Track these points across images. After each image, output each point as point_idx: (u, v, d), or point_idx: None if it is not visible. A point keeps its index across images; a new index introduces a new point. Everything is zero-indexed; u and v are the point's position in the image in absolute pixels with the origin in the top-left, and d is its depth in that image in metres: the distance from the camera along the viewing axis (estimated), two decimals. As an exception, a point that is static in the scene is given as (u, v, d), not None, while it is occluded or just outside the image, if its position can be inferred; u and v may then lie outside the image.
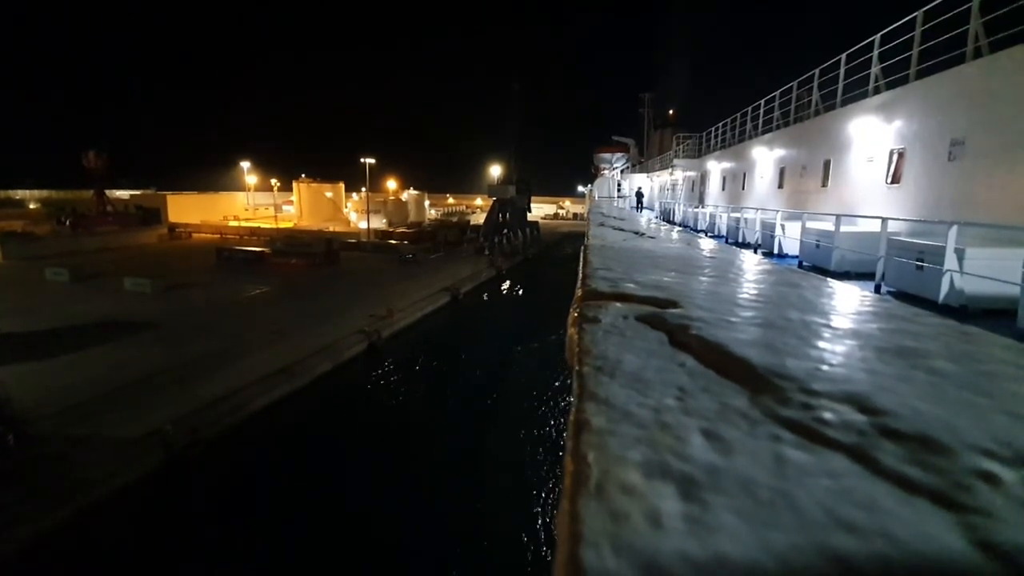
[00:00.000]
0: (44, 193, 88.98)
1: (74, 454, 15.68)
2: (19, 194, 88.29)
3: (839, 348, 2.83)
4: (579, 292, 4.12)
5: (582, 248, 8.31)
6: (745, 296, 4.22)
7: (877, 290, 9.59)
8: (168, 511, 15.30)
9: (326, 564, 14.29)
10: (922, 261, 8.70)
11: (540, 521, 15.25)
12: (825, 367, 2.45)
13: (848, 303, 4.21)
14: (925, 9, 13.08)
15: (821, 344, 2.87)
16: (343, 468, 18.41)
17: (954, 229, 8.12)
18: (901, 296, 9.05)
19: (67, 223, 63.45)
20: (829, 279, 5.66)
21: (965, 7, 11.68)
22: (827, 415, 1.89)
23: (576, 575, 1.11)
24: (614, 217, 20.73)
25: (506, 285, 54.24)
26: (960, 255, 8.06)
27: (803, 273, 6.30)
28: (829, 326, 3.30)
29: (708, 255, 7.93)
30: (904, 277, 9.27)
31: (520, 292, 52.58)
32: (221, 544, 14.44)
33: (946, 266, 8.04)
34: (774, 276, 5.61)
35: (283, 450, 19.38)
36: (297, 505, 16.37)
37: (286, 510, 16.09)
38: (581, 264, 5.96)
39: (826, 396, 2.07)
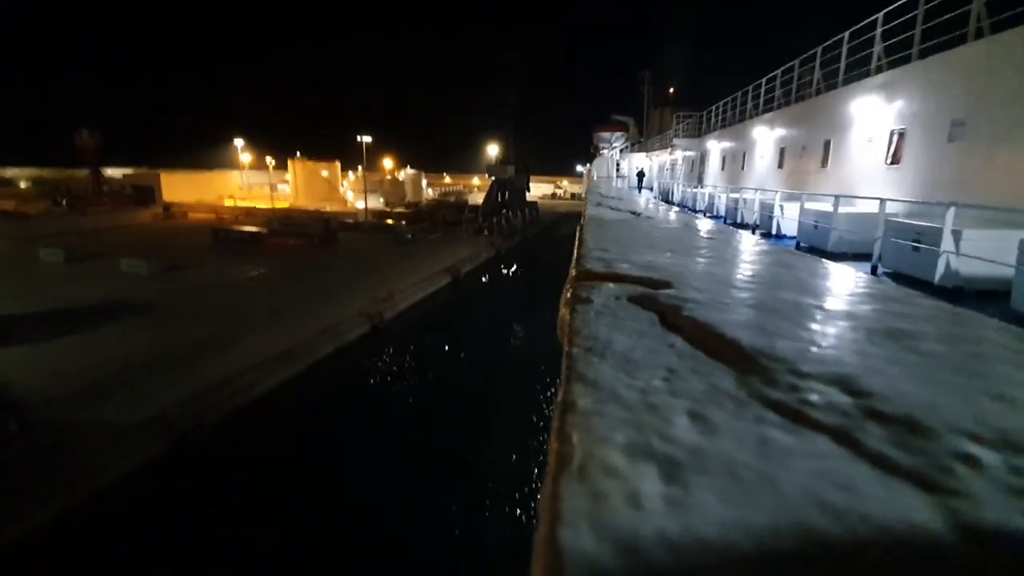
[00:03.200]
0: (34, 172, 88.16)
1: (78, 440, 15.69)
2: (9, 173, 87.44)
3: (830, 330, 2.83)
4: (573, 272, 4.11)
5: (578, 228, 8.29)
6: (739, 277, 4.22)
7: (874, 271, 9.61)
8: (174, 497, 15.36)
9: (330, 546, 14.43)
10: (919, 242, 8.71)
11: (536, 502, 15.37)
12: (814, 348, 2.46)
13: (843, 285, 4.21)
14: (929, -12, 12.97)
15: (813, 326, 2.87)
16: (348, 450, 18.51)
17: (951, 210, 8.11)
18: (897, 277, 9.07)
19: (63, 203, 63.07)
20: (825, 260, 5.66)
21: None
22: (814, 397, 1.89)
23: (554, 554, 1.12)
24: (612, 197, 20.67)
25: (506, 265, 54.16)
26: (957, 236, 8.07)
27: (799, 254, 6.31)
28: (822, 308, 3.30)
29: (704, 236, 7.92)
30: (901, 258, 9.28)
31: (520, 272, 52.52)
32: (226, 530, 14.54)
33: (943, 247, 8.04)
34: (770, 257, 5.61)
35: (288, 434, 19.46)
36: (302, 489, 16.48)
37: (291, 494, 16.19)
38: (576, 244, 5.95)
39: (814, 378, 2.07)
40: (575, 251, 5.45)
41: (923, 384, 2.07)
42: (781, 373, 2.09)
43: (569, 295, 3.37)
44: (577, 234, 7.28)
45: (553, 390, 23.94)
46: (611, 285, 3.59)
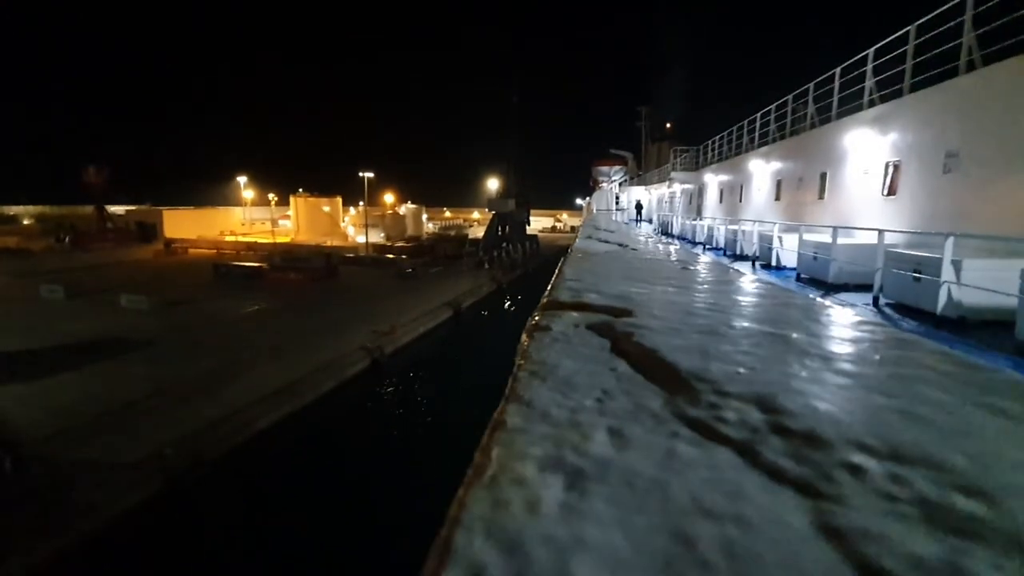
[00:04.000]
0: (38, 209, 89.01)
1: (73, 479, 15.54)
2: (13, 210, 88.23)
3: (767, 352, 2.93)
4: (543, 301, 4.22)
5: (562, 259, 8.40)
6: (700, 305, 4.33)
7: (875, 302, 9.60)
8: (169, 537, 15.22)
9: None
10: (920, 272, 8.69)
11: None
12: (743, 370, 2.56)
13: (799, 312, 4.31)
14: (918, 23, 13.19)
15: (753, 349, 2.97)
16: (348, 489, 18.36)
17: (950, 240, 8.09)
18: (901, 308, 9.09)
19: (67, 240, 63.49)
20: (792, 288, 5.76)
21: (958, 21, 11.77)
22: (729, 414, 1.99)
23: (445, 554, 1.22)
24: (605, 230, 20.86)
25: (507, 299, 54.17)
26: (957, 266, 8.04)
27: (769, 282, 6.41)
28: (770, 333, 3.40)
29: (687, 267, 8.04)
30: (903, 289, 9.21)
31: (521, 306, 52.44)
32: (222, 570, 14.39)
33: (943, 277, 8.03)
34: (738, 286, 5.72)
35: (287, 472, 19.30)
36: (301, 529, 16.33)
37: (290, 535, 16.04)
38: (555, 274, 6.07)
39: (736, 397, 2.17)
40: (551, 280, 5.57)
41: (835, 402, 2.17)
42: (707, 393, 2.19)
43: (532, 322, 3.48)
44: (559, 265, 7.40)
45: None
46: (574, 314, 3.70)
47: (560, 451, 1.68)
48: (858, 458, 1.68)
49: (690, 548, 1.25)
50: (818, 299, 4.93)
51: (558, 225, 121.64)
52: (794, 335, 3.37)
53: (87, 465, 16.22)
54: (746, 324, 3.64)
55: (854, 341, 3.26)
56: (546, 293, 4.68)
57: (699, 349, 2.87)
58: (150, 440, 17.57)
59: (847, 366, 2.71)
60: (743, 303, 4.59)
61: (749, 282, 6.05)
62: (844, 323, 3.83)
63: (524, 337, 3.25)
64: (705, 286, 5.57)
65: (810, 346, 3.11)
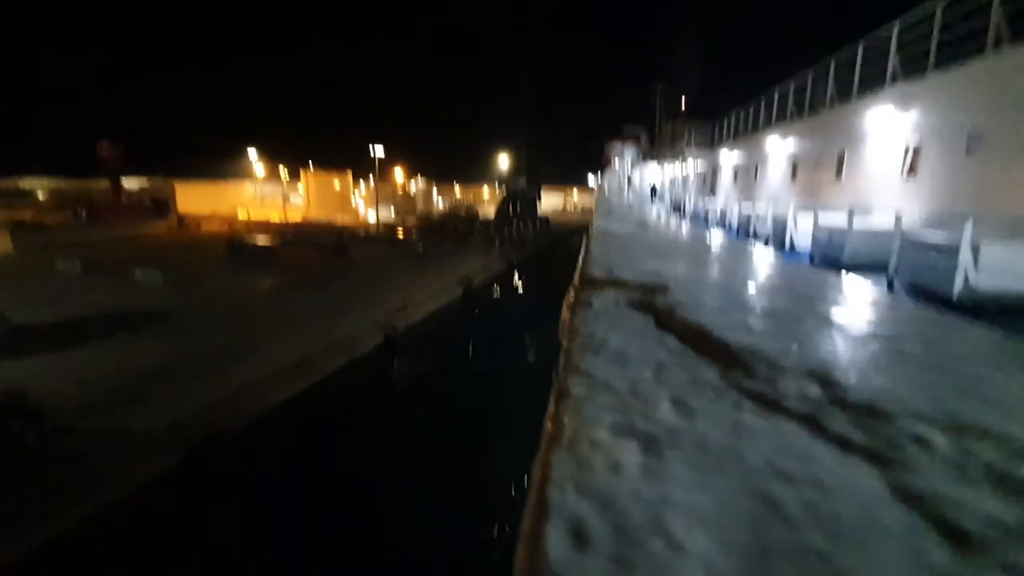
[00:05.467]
0: (53, 182, 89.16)
1: (93, 450, 15.78)
2: (27, 184, 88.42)
3: (814, 330, 2.98)
4: (577, 278, 4.28)
5: (585, 237, 8.42)
6: (734, 283, 4.37)
7: (890, 285, 9.50)
8: (189, 507, 15.46)
9: (343, 556, 14.49)
10: (937, 256, 8.57)
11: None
12: (795, 346, 2.61)
13: (832, 290, 4.34)
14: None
15: (798, 327, 3.02)
16: (363, 464, 18.56)
17: (969, 224, 7.96)
18: (915, 292, 9.01)
19: (83, 214, 63.78)
20: (821, 270, 5.76)
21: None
22: (789, 387, 2.05)
23: (542, 508, 1.29)
24: (621, 208, 20.80)
25: (518, 277, 54.12)
26: (975, 250, 7.91)
27: (796, 263, 6.42)
28: (811, 311, 3.45)
29: (706, 246, 8.06)
30: (918, 271, 9.06)
31: (532, 284, 52.41)
32: (241, 539, 14.63)
33: (961, 261, 7.90)
34: (766, 266, 5.74)
35: (302, 446, 19.51)
36: (316, 500, 16.55)
37: (305, 506, 16.27)
38: (582, 252, 6.11)
39: (792, 372, 2.23)
40: (580, 258, 5.61)
41: (892, 378, 2.22)
42: (761, 367, 2.24)
43: (572, 298, 3.54)
44: (584, 243, 7.43)
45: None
46: (611, 290, 3.75)
47: (629, 418, 1.75)
48: (922, 430, 1.75)
49: (773, 507, 1.32)
50: (851, 278, 4.95)
51: (569, 202, 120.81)
52: (833, 311, 3.41)
53: (109, 436, 16.46)
54: (784, 302, 3.69)
55: (895, 320, 3.30)
56: (578, 270, 4.73)
57: (743, 325, 2.93)
58: (171, 411, 17.80)
59: (894, 343, 2.75)
60: (774, 282, 4.63)
61: (775, 262, 6.08)
62: (885, 303, 3.87)
63: (565, 312, 3.31)
64: (732, 265, 5.61)
65: (853, 323, 3.15)
